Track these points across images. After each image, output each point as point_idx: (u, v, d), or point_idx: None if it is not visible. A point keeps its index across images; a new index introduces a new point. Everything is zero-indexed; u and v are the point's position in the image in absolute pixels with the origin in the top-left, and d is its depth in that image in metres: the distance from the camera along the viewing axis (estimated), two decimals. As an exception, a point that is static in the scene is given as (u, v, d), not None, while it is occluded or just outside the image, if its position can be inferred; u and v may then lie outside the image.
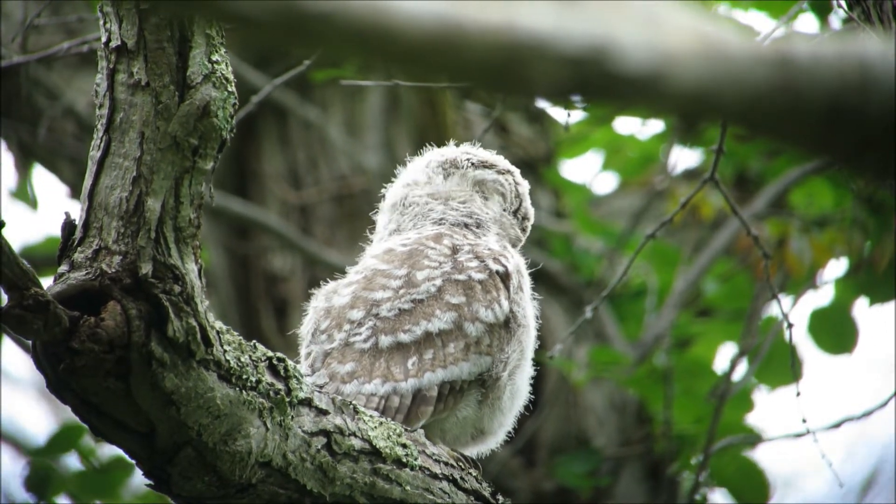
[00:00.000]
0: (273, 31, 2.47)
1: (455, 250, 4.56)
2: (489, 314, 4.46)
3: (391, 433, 4.20)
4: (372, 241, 4.81)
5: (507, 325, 4.49)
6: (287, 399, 4.02)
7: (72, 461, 8.01)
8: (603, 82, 2.26)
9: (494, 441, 4.58)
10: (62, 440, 7.90)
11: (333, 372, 4.41)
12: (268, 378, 4.00)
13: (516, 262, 4.60)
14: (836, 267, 8.72)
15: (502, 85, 2.31)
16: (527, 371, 4.55)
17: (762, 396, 8.95)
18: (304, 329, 4.56)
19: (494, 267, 4.52)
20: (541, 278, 9.04)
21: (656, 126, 9.42)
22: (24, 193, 9.04)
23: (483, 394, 4.46)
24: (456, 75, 2.31)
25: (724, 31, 2.32)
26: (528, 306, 4.57)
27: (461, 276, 4.49)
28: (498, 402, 4.48)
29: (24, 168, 9.01)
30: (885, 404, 6.66)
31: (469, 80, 2.31)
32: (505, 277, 4.53)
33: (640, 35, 2.26)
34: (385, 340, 4.41)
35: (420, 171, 4.82)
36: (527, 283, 4.62)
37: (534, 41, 2.24)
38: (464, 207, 4.73)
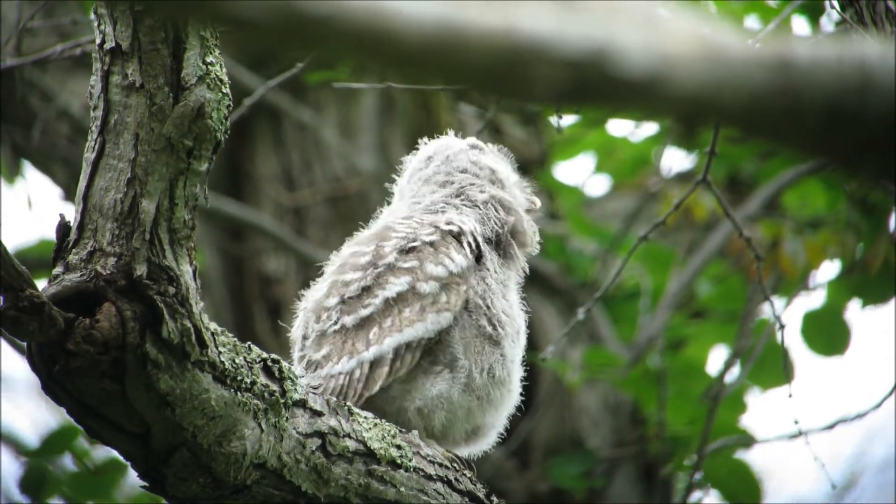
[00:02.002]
0: (271, 33, 2.47)
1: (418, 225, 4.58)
2: (440, 269, 4.46)
3: (386, 434, 4.20)
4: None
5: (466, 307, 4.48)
6: (282, 400, 4.02)
7: (66, 462, 8.00)
8: (603, 85, 2.27)
9: (487, 441, 4.57)
10: (56, 442, 7.90)
11: (310, 360, 4.43)
12: (262, 379, 4.01)
13: (472, 226, 4.59)
14: (830, 269, 8.74)
15: (502, 88, 2.31)
16: (513, 361, 4.52)
17: (755, 398, 8.96)
18: (296, 332, 4.56)
19: (447, 228, 4.53)
20: (535, 280, 9.06)
21: (649, 128, 9.43)
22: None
23: (447, 368, 4.43)
24: (455, 78, 2.31)
25: (723, 33, 2.32)
26: (494, 284, 4.54)
27: (415, 244, 4.50)
28: (472, 381, 4.44)
29: (15, 170, 8.99)
30: (879, 406, 6.66)
31: (468, 83, 2.31)
32: (458, 236, 4.52)
33: (641, 38, 2.26)
34: (349, 319, 4.43)
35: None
36: (494, 261, 4.58)
37: (534, 44, 2.24)
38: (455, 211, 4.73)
